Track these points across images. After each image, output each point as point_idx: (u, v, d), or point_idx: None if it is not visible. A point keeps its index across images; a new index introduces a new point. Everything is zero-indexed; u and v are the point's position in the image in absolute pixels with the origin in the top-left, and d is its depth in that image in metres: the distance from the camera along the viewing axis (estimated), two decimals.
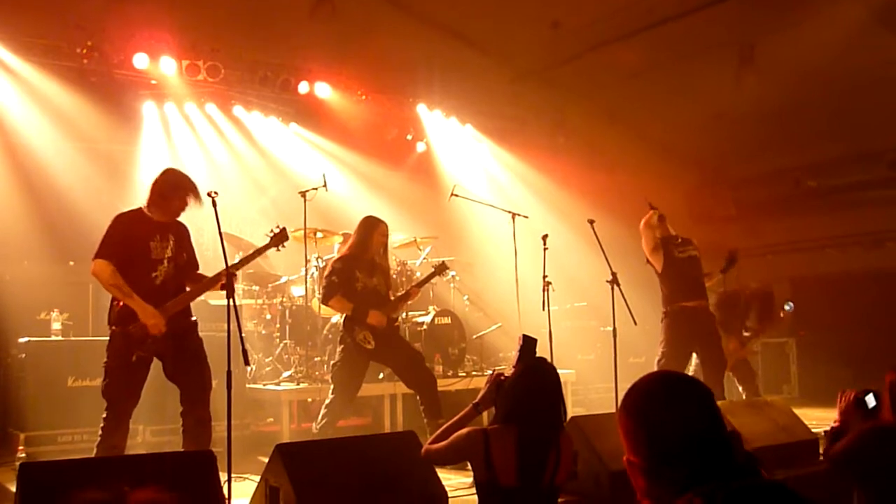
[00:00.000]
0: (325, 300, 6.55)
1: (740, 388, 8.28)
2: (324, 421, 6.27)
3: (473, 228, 10.42)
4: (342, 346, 6.51)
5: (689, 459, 1.75)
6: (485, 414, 4.06)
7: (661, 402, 1.82)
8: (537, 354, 3.87)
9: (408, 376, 6.57)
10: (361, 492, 4.18)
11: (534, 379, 3.71)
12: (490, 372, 4.11)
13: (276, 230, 5.50)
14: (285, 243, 5.53)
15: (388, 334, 6.51)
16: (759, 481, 1.72)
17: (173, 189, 5.20)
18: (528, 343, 3.93)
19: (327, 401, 6.40)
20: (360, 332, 6.37)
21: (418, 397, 6.48)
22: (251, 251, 5.65)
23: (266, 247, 5.47)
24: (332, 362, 6.68)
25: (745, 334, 8.59)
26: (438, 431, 3.86)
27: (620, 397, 5.80)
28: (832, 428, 4.23)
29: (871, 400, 4.12)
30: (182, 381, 5.12)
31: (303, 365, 7.63)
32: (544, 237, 6.86)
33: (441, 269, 6.96)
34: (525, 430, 3.55)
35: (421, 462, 4.49)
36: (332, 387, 6.46)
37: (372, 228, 6.62)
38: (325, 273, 6.66)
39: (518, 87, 11.44)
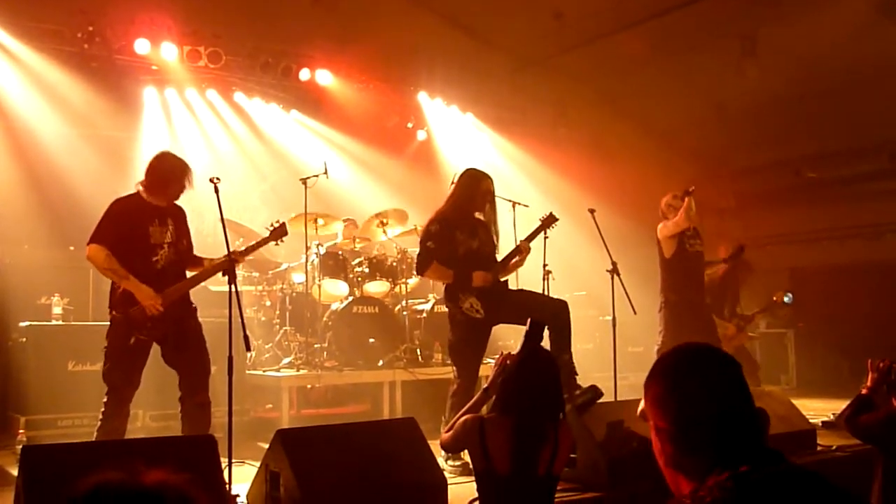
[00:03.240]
0: (420, 270, 5.91)
1: None
2: (452, 413, 5.34)
3: None
4: (451, 321, 5.81)
5: (719, 427, 1.77)
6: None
7: (691, 367, 1.85)
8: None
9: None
10: (361, 477, 4.20)
11: (529, 370, 3.71)
12: (496, 357, 4.07)
13: (276, 224, 5.54)
14: (284, 238, 5.58)
15: (496, 295, 5.78)
16: (792, 467, 1.72)
17: (171, 173, 5.20)
18: (535, 328, 3.91)
19: (452, 389, 5.73)
20: (465, 301, 5.67)
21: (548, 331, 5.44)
22: (252, 242, 5.63)
23: (265, 240, 5.53)
24: (448, 342, 5.95)
25: (741, 319, 8.66)
26: (454, 419, 3.88)
27: (619, 386, 5.83)
28: (860, 394, 4.32)
29: None
30: (181, 365, 5.15)
31: (303, 352, 7.64)
32: None
33: (550, 220, 6.25)
34: (521, 420, 3.57)
35: (421, 449, 4.52)
36: (453, 371, 5.83)
37: (475, 183, 5.91)
38: (421, 237, 5.95)
39: (519, 76, 11.42)
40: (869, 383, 4.34)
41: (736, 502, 1.63)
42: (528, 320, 3.89)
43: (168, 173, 5.20)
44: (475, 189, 5.90)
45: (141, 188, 5.18)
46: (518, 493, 3.53)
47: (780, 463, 1.73)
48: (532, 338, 3.89)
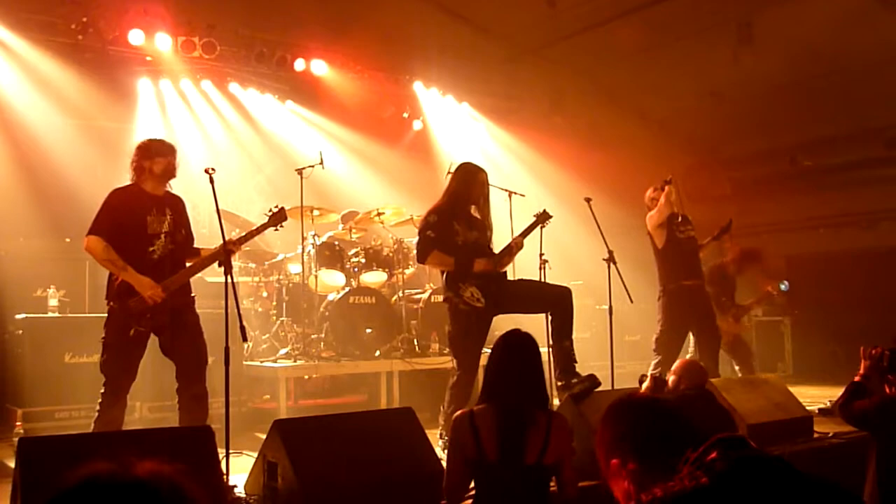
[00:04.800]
0: (421, 258, 5.84)
1: (736, 368, 8.34)
2: (452, 406, 5.39)
3: None
4: (451, 312, 5.71)
5: (677, 443, 1.99)
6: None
7: (629, 410, 2.23)
8: (522, 329, 3.88)
9: (536, 308, 5.86)
10: (359, 467, 4.20)
11: (503, 355, 3.74)
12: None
13: (275, 209, 5.50)
14: (283, 223, 5.54)
15: (497, 284, 5.76)
16: (758, 453, 1.77)
17: (146, 153, 5.19)
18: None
19: (451, 381, 5.66)
20: (466, 290, 5.61)
21: (550, 317, 5.79)
22: (250, 230, 5.59)
23: (264, 226, 5.47)
24: (448, 333, 5.88)
25: (738, 309, 8.66)
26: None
27: (616, 375, 5.82)
28: (853, 381, 4.34)
29: None
30: (178, 356, 5.14)
31: (300, 342, 7.64)
32: None
33: (543, 217, 6.16)
34: (504, 405, 3.58)
35: (418, 438, 4.53)
36: (453, 362, 5.76)
37: (471, 177, 5.90)
38: (420, 228, 5.93)
39: (515, 65, 11.40)
40: (861, 370, 4.36)
41: (704, 489, 1.69)
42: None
43: (143, 155, 5.18)
44: (471, 183, 5.89)
45: (135, 180, 5.18)
46: (506, 481, 3.53)
47: (744, 449, 1.81)
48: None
